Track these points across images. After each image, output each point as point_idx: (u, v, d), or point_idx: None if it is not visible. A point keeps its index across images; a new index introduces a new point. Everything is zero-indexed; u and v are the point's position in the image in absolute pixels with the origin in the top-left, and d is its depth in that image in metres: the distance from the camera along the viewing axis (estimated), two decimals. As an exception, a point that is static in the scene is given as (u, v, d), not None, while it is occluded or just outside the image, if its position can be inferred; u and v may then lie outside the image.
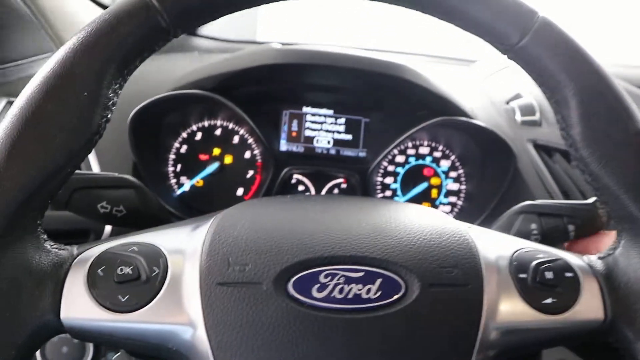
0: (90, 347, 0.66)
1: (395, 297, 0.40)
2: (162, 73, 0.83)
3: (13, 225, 0.37)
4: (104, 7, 1.05)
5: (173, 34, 0.41)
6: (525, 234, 0.58)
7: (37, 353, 0.66)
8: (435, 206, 0.89)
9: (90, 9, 1.00)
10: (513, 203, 0.61)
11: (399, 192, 0.89)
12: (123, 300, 0.39)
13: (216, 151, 0.85)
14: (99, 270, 0.40)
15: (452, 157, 0.89)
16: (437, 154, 0.89)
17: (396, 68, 0.79)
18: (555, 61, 0.43)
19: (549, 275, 0.44)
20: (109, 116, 0.40)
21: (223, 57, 0.81)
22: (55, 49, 0.89)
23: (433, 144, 0.89)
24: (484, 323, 0.41)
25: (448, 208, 0.90)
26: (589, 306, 0.44)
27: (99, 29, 0.39)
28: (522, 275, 0.44)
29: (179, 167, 0.85)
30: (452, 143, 0.88)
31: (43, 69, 0.38)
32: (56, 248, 0.41)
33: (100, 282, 0.39)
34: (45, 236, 0.41)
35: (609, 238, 0.58)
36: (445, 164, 0.89)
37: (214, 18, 0.43)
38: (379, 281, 0.40)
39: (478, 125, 0.80)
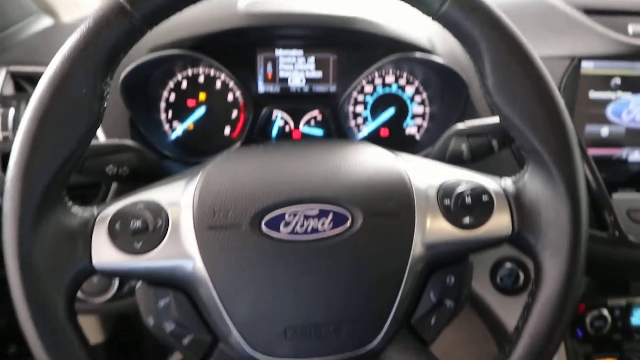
0: (116, 278, 0.80)
1: (344, 227, 0.52)
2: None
3: (45, 201, 0.49)
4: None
5: (146, 30, 0.51)
6: (458, 154, 0.69)
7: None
8: (403, 129, 1.00)
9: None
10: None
11: (369, 119, 0.99)
12: (137, 246, 0.52)
13: (202, 96, 0.95)
14: (116, 225, 0.52)
15: (416, 84, 0.98)
16: (402, 82, 0.98)
17: (348, 21, 0.87)
18: (470, 23, 0.51)
19: (468, 200, 0.55)
20: (105, 104, 0.51)
21: (193, 16, 0.89)
22: (36, 7, 0.96)
23: (398, 73, 0.98)
24: (414, 241, 0.53)
25: (415, 129, 1.01)
26: (500, 221, 0.56)
27: (86, 36, 0.48)
28: (447, 202, 0.56)
29: (170, 114, 0.95)
30: (414, 71, 0.98)
31: (47, 74, 0.48)
32: (80, 211, 0.53)
33: (118, 234, 0.52)
34: (70, 203, 0.52)
35: None
36: (410, 90, 0.99)
37: (179, 10, 0.52)
38: (330, 215, 0.52)
39: (431, 60, 0.89)
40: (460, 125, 0.70)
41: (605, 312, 0.97)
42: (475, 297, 0.96)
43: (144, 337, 1.55)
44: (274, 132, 0.96)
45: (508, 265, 0.91)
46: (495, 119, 0.70)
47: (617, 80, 0.91)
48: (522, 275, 0.92)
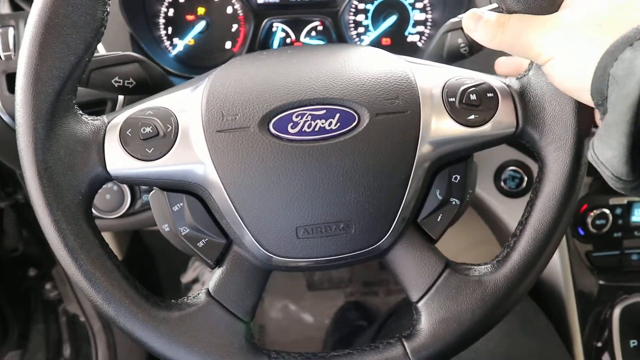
0: (127, 194, 0.82)
1: (351, 126, 0.53)
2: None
3: (56, 108, 0.50)
4: None
5: None
6: (455, 48, 0.66)
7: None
8: (404, 37, 0.99)
9: None
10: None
11: (370, 28, 0.98)
12: (149, 152, 0.53)
13: (201, 10, 0.94)
14: (127, 132, 0.53)
15: (418, -12, 0.96)
16: (404, -13, 0.96)
17: None
18: None
19: (473, 97, 0.55)
20: (108, 9, 0.51)
21: None
22: None
23: (399, -22, 0.96)
24: (420, 139, 0.54)
25: (417, 37, 0.99)
26: (504, 118, 0.56)
27: None
28: (452, 99, 0.55)
29: (170, 29, 0.94)
30: (416, -25, 0.95)
31: None
32: (91, 120, 0.54)
33: (130, 140, 0.53)
34: (80, 112, 0.53)
35: None
36: (411, -4, 0.97)
37: None
38: (337, 115, 0.53)
39: None
40: (455, 19, 0.68)
41: (606, 211, 1.00)
42: (479, 201, 0.98)
43: (157, 260, 1.60)
44: (275, 44, 0.95)
45: (511, 168, 0.93)
46: (491, 6, 0.68)
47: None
48: (525, 178, 0.93)
